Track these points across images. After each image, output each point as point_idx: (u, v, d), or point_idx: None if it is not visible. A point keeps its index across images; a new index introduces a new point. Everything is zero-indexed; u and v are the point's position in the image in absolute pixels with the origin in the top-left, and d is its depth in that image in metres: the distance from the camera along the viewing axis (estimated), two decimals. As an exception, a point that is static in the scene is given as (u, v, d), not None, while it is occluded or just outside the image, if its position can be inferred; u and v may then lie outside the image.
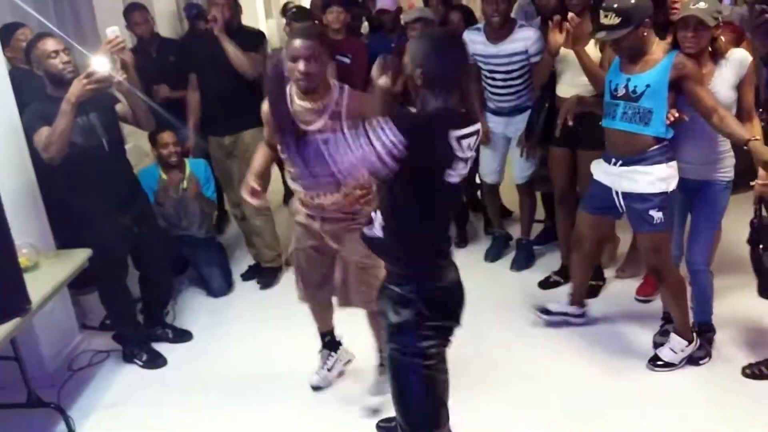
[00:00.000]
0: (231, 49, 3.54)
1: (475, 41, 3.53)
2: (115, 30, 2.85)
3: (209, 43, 3.58)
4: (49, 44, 2.79)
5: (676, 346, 2.87)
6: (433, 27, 3.68)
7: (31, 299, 2.43)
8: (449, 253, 2.03)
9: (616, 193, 2.80)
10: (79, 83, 2.67)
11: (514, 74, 3.53)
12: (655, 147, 2.65)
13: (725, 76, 2.61)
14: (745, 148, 2.49)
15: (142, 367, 3.22)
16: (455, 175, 1.88)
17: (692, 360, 2.89)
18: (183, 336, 3.44)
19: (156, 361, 3.24)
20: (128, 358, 3.26)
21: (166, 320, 3.51)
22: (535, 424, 2.66)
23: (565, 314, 3.25)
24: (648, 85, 2.61)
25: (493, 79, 3.59)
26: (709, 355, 2.93)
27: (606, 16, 2.57)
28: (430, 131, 1.83)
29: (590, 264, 3.21)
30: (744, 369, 2.80)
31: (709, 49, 2.62)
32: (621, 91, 2.69)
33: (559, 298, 3.53)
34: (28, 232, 2.89)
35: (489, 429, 2.63)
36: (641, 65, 2.65)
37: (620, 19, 2.54)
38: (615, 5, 2.56)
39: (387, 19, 4.60)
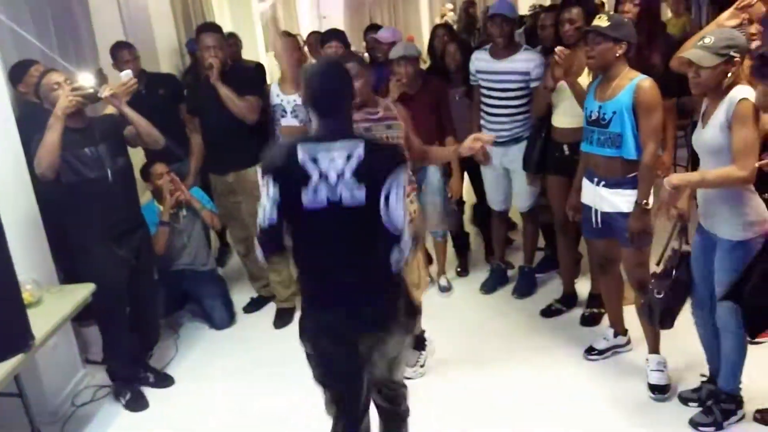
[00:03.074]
0: (228, 97, 3.52)
1: (480, 58, 3.69)
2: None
3: (208, 86, 3.56)
4: (53, 77, 2.87)
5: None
6: (417, 62, 3.75)
7: (35, 335, 2.45)
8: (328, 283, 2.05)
9: (595, 211, 2.91)
10: (65, 97, 2.73)
11: (511, 94, 3.59)
12: (635, 173, 2.77)
13: (717, 115, 2.37)
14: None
15: (124, 407, 3.16)
16: (314, 200, 1.92)
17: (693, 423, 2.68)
18: (165, 381, 3.37)
19: (138, 402, 3.18)
20: (116, 395, 3.23)
21: (151, 362, 3.45)
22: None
23: (614, 347, 3.22)
24: (614, 112, 2.74)
25: (491, 97, 3.65)
26: (717, 425, 2.63)
27: (599, 18, 2.75)
28: (278, 152, 2.00)
29: (620, 287, 3.17)
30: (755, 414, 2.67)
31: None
32: (593, 116, 2.83)
33: (563, 326, 3.55)
34: (32, 266, 2.91)
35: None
36: (610, 92, 2.77)
37: (609, 24, 2.69)
38: (612, 14, 2.82)
39: (384, 50, 4.67)
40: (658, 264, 2.75)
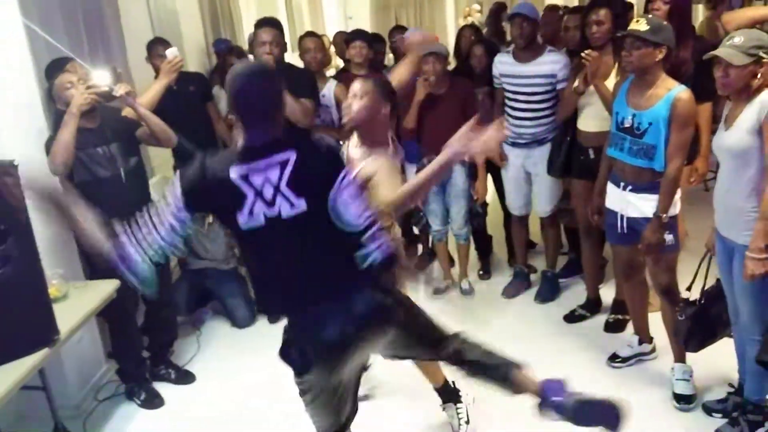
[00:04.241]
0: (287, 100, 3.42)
1: (503, 62, 3.64)
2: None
3: None
4: (65, 77, 2.90)
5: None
6: (445, 62, 3.72)
7: (60, 330, 2.49)
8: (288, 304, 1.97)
9: (621, 216, 2.85)
10: (79, 95, 2.75)
11: (537, 98, 3.55)
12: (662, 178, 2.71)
13: (745, 117, 2.31)
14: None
15: (140, 406, 3.19)
16: (250, 220, 1.82)
17: None
18: (186, 378, 3.40)
19: (153, 401, 3.20)
20: (129, 395, 3.25)
21: (173, 359, 3.49)
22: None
23: (639, 355, 3.18)
24: (650, 123, 2.65)
25: (516, 101, 3.61)
26: None
27: (637, 21, 2.65)
28: (205, 172, 1.84)
29: (645, 294, 3.13)
30: None
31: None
32: (627, 124, 2.74)
33: (586, 332, 3.50)
34: (58, 262, 2.95)
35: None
36: (645, 100, 2.68)
37: (649, 28, 2.58)
38: (650, 17, 2.66)
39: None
40: (688, 289, 2.72)
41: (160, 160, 4.33)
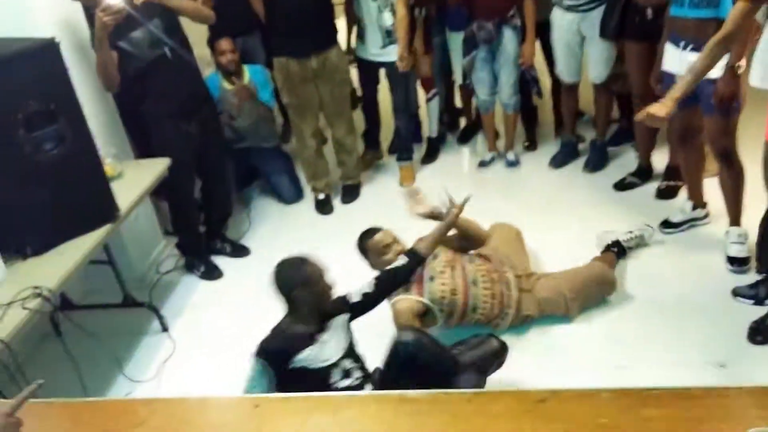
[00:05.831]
0: None
1: None
2: None
3: None
4: None
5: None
6: None
7: (119, 206, 2.56)
8: None
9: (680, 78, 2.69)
10: (98, 20, 2.64)
11: None
12: None
13: None
14: None
15: (200, 278, 3.33)
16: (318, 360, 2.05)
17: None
18: (241, 251, 3.50)
19: (212, 273, 3.33)
20: (188, 267, 3.39)
21: (227, 234, 3.57)
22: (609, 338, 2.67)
23: (692, 220, 3.14)
24: None
25: None
26: None
27: None
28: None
29: (702, 158, 3.06)
30: None
31: None
32: None
33: (637, 200, 3.46)
34: (109, 142, 2.99)
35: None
36: None
37: None
38: None
39: None
40: None
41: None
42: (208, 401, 1.75)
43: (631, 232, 3.04)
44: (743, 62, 2.57)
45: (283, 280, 2.10)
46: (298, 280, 2.07)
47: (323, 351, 2.06)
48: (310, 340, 2.06)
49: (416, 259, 2.31)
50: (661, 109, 2.35)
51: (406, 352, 2.02)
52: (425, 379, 1.88)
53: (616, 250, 2.96)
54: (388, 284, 2.28)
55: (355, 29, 3.89)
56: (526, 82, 3.81)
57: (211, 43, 3.73)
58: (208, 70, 3.78)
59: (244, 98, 3.68)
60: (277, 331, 2.10)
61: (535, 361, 2.50)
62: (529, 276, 2.72)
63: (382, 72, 3.89)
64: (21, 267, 2.32)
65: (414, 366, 2.01)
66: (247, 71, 3.78)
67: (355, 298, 2.21)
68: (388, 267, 2.33)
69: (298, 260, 2.10)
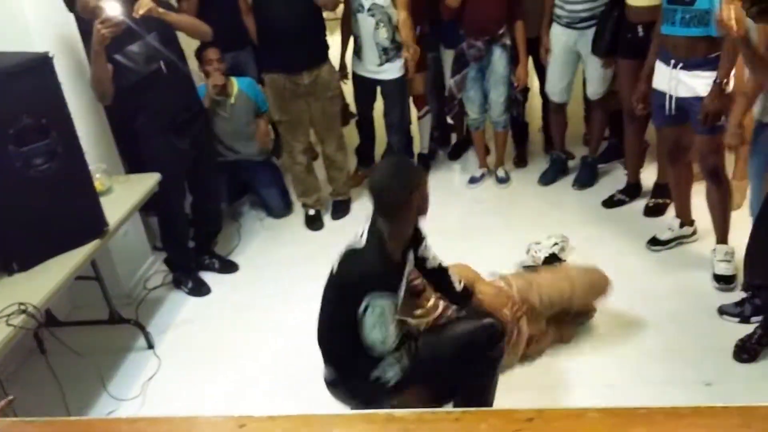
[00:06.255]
0: None
1: None
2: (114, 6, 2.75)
3: None
4: None
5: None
6: None
7: (108, 222, 2.54)
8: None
9: (670, 97, 2.78)
10: (97, 32, 2.64)
11: None
12: (717, 53, 2.60)
13: None
14: None
15: (188, 294, 3.31)
16: None
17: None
18: (230, 267, 3.49)
19: (200, 289, 3.31)
20: (176, 284, 3.36)
21: (216, 250, 3.55)
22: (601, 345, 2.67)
23: (680, 238, 3.16)
24: None
25: None
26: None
27: None
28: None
29: (690, 176, 3.08)
30: None
31: None
32: None
33: (625, 217, 3.48)
34: (99, 157, 2.97)
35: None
36: None
37: None
38: None
39: None
40: None
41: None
42: (193, 420, 1.71)
43: (556, 244, 3.15)
44: (731, 79, 2.61)
45: (406, 177, 1.81)
46: (418, 180, 1.82)
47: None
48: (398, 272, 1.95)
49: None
50: None
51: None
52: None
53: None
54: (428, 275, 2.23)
55: (350, 45, 3.91)
56: (515, 101, 3.84)
57: (199, 54, 3.72)
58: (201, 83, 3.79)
59: (221, 88, 3.60)
60: (373, 255, 1.88)
61: (523, 380, 2.50)
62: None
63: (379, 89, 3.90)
64: (7, 283, 2.29)
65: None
66: (236, 83, 3.77)
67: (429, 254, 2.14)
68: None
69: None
